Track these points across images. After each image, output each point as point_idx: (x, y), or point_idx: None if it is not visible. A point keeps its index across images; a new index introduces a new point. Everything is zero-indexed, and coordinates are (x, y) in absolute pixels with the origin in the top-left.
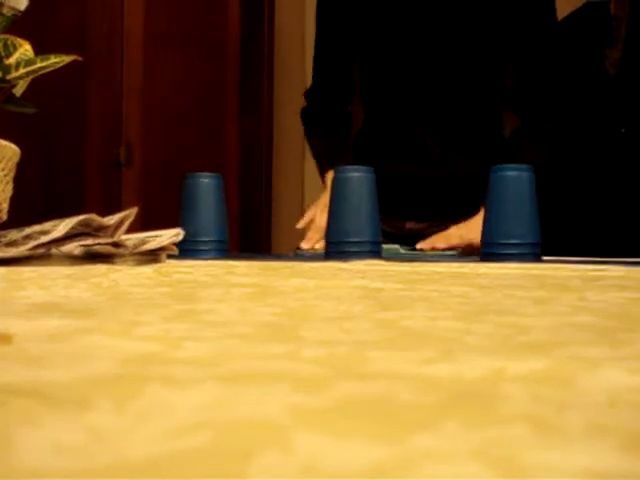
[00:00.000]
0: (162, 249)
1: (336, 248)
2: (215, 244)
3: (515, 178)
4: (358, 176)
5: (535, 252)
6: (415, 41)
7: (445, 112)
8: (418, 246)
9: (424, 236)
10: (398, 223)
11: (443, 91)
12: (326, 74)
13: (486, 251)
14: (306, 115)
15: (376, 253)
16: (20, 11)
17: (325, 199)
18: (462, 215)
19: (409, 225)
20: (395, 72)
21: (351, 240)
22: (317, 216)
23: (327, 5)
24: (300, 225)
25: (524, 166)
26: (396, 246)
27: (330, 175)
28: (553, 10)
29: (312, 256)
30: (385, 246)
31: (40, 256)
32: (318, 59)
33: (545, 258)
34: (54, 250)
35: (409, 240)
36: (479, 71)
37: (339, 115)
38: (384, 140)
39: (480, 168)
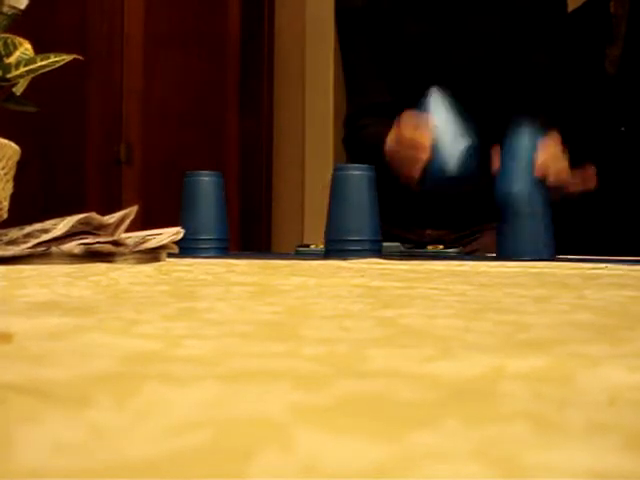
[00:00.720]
0: (162, 248)
1: (336, 246)
2: (215, 242)
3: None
4: (358, 174)
5: (373, 248)
6: (440, 63)
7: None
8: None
9: (444, 242)
10: (419, 230)
11: (462, 103)
12: (365, 98)
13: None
14: (349, 140)
15: (376, 252)
16: (20, 10)
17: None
18: (477, 223)
19: (428, 232)
20: (418, 84)
21: (351, 238)
22: (423, 135)
23: (353, 38)
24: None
25: (364, 166)
26: (396, 244)
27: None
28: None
29: (312, 254)
30: (385, 244)
31: (40, 254)
32: (355, 85)
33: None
34: (54, 249)
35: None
36: (497, 87)
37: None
38: None
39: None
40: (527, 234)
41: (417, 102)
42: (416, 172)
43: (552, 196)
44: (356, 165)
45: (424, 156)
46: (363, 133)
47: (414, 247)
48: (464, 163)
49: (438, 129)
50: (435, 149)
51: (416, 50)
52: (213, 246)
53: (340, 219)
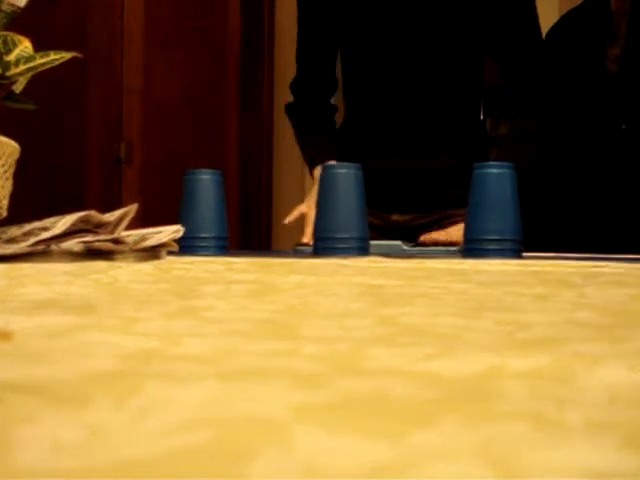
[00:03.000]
0: (162, 246)
1: (323, 244)
2: (215, 241)
3: (497, 175)
4: (346, 172)
5: (514, 248)
6: (395, 35)
7: (425, 105)
8: (421, 238)
9: (410, 228)
10: (384, 215)
11: (423, 84)
12: (308, 66)
13: (468, 247)
14: (291, 108)
15: (363, 250)
16: (20, 8)
17: (315, 194)
18: (445, 206)
19: (395, 217)
20: (375, 66)
21: (338, 236)
22: (310, 210)
23: None
24: (288, 220)
25: (505, 164)
26: (398, 242)
27: (318, 171)
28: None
29: (312, 252)
30: (387, 242)
31: (40, 253)
32: (300, 51)
33: (545, 254)
34: (54, 247)
35: (395, 232)
36: (458, 64)
37: (323, 107)
38: (367, 134)
39: (462, 160)
40: (494, 211)
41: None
42: (306, 236)
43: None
44: (344, 164)
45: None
46: (298, 133)
47: (415, 246)
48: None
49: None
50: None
51: (371, 31)
52: (213, 244)
53: (328, 217)
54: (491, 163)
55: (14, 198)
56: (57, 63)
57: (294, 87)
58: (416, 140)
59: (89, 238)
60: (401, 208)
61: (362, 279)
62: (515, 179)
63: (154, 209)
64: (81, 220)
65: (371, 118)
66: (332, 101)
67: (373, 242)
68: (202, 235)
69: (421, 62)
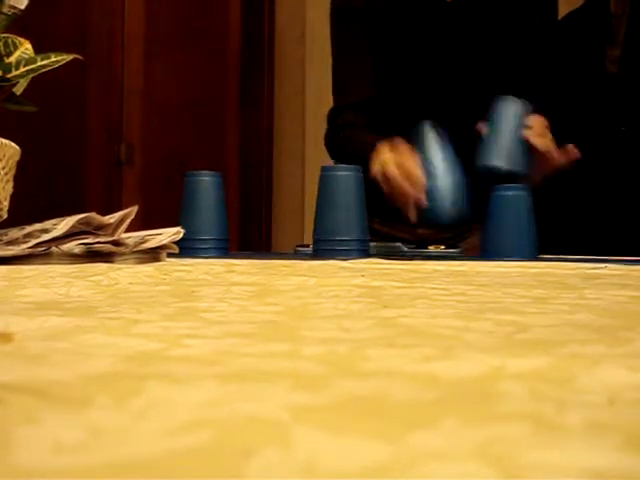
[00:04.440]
0: (162, 247)
1: (323, 246)
2: (215, 242)
3: (511, 197)
4: (346, 175)
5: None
6: (429, 69)
7: (454, 129)
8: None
9: (434, 240)
10: (411, 230)
11: (453, 110)
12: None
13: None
14: (330, 131)
15: (363, 252)
16: (20, 10)
17: (393, 155)
18: (467, 223)
19: (421, 231)
20: (406, 89)
21: (339, 239)
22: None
23: (344, 29)
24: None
25: (520, 186)
26: (398, 244)
27: (380, 145)
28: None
29: (312, 254)
30: (387, 244)
31: (40, 254)
32: (339, 86)
33: (545, 256)
34: (54, 248)
35: (423, 244)
36: (486, 92)
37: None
38: None
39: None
40: (510, 233)
41: (403, 111)
42: (412, 215)
43: (535, 174)
44: (343, 166)
45: (420, 195)
46: (344, 135)
47: (415, 247)
48: (459, 206)
49: (432, 166)
50: (431, 190)
51: (405, 54)
52: (213, 246)
53: (327, 219)
54: (337, 166)
55: (14, 200)
56: (58, 65)
57: (333, 117)
58: None
59: (89, 240)
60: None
61: (362, 281)
62: (528, 200)
63: (154, 211)
64: (81, 222)
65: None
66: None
67: (373, 244)
68: (202, 237)
69: (453, 92)
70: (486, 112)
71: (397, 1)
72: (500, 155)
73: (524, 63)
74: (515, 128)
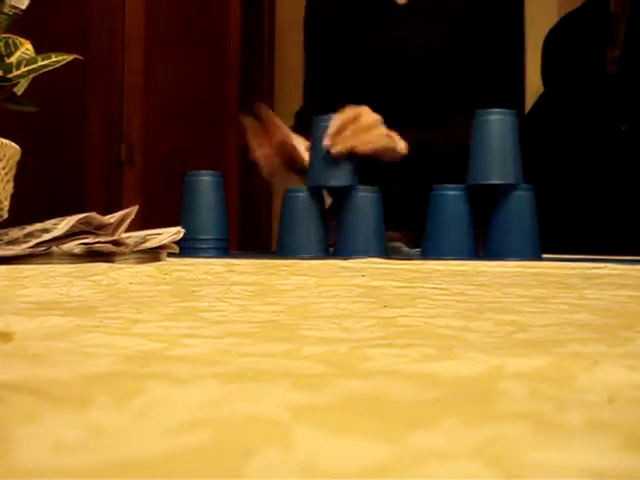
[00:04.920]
0: (162, 247)
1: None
2: (215, 242)
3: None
4: (368, 195)
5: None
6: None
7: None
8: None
9: (406, 243)
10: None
11: (406, 114)
12: (315, 100)
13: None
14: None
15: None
16: (21, 10)
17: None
18: None
19: (390, 233)
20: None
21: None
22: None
23: (312, 37)
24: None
25: (523, 186)
26: (398, 243)
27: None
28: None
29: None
30: (387, 244)
31: (41, 254)
32: (308, 85)
33: (545, 256)
34: (55, 248)
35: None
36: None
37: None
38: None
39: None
40: (513, 232)
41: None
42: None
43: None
44: (365, 187)
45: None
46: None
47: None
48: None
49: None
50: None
51: (356, 57)
52: (213, 246)
53: (347, 235)
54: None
55: (15, 200)
56: (58, 65)
57: (299, 117)
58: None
59: (90, 240)
60: (397, 225)
61: (362, 280)
62: (532, 200)
63: (155, 210)
64: (82, 222)
65: None
66: None
67: None
68: (203, 237)
69: (403, 96)
70: (435, 116)
71: (349, 6)
72: (494, 172)
73: (468, 69)
74: (503, 142)
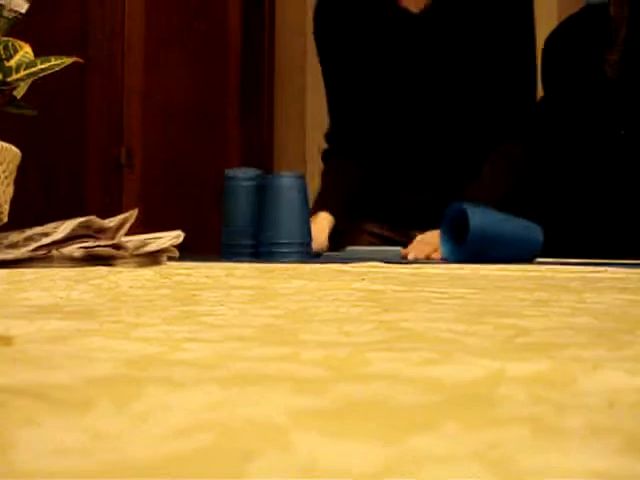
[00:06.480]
0: (163, 251)
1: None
2: (297, 246)
3: None
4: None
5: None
6: (406, 97)
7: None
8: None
9: None
10: (410, 232)
11: (430, 125)
12: (342, 117)
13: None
14: (327, 156)
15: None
16: (21, 14)
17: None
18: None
19: (415, 233)
20: (389, 124)
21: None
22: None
23: (329, 54)
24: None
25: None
26: (398, 248)
27: (319, 216)
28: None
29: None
30: (387, 248)
31: (41, 258)
32: (332, 102)
33: (545, 260)
34: (55, 252)
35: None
36: (468, 125)
37: (357, 154)
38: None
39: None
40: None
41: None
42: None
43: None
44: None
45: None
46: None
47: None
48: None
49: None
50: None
51: (377, 72)
52: (296, 250)
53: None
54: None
55: (15, 203)
56: (58, 68)
57: (331, 136)
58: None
59: (90, 243)
60: (421, 225)
61: (362, 284)
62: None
63: (155, 214)
64: (82, 225)
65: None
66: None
67: (373, 248)
68: (284, 241)
69: (430, 123)
70: (461, 129)
71: (366, 19)
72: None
73: (505, 80)
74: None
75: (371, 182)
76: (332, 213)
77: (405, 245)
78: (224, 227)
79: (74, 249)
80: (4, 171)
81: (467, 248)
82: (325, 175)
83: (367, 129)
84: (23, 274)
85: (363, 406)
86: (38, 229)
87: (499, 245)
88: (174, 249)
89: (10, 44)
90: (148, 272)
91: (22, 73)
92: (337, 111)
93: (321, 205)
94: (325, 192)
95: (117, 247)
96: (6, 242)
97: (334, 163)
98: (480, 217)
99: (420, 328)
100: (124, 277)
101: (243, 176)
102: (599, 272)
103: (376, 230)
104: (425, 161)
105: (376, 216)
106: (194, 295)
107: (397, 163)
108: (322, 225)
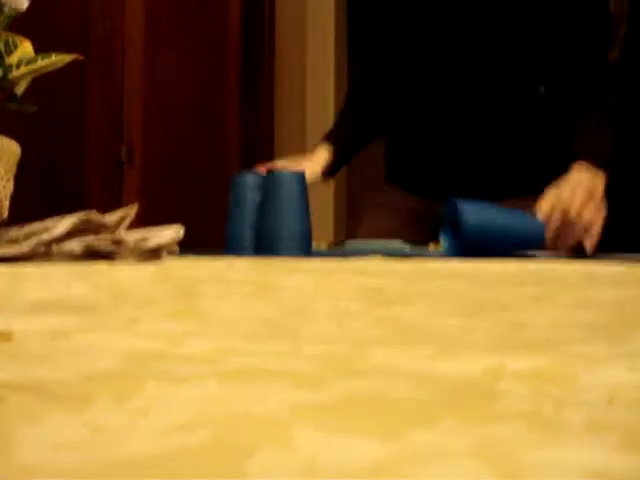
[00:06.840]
0: (163, 246)
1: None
2: (298, 242)
3: None
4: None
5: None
6: (448, 53)
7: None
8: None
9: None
10: (436, 204)
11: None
12: (366, 69)
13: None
14: (349, 100)
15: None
16: (21, 11)
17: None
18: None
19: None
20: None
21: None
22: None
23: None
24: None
25: None
26: (398, 243)
27: (319, 149)
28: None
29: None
30: (387, 242)
31: (41, 254)
32: (356, 58)
33: (544, 255)
34: (55, 248)
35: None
36: (516, 83)
37: (380, 105)
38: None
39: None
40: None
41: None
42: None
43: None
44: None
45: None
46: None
47: (416, 246)
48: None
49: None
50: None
51: (425, 33)
52: (295, 246)
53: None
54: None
55: (15, 199)
56: (58, 65)
57: (355, 84)
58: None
59: (90, 239)
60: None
61: (362, 279)
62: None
63: (155, 210)
64: (82, 221)
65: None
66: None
67: (373, 242)
68: (284, 236)
69: (475, 78)
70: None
71: None
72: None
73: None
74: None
75: (399, 145)
76: (333, 148)
77: (428, 221)
78: (229, 222)
79: (74, 245)
80: (4, 167)
81: (464, 243)
82: (341, 114)
83: (401, 82)
84: (23, 270)
85: (362, 401)
86: (38, 225)
87: (497, 238)
88: (174, 244)
89: (11, 41)
90: (148, 267)
91: (22, 70)
92: (368, 61)
93: (327, 138)
94: (335, 128)
95: (117, 243)
96: (6, 238)
97: (355, 111)
98: (474, 213)
99: (420, 323)
100: (124, 273)
101: (250, 176)
102: (599, 267)
103: (397, 201)
104: (469, 125)
105: (402, 182)
106: (194, 290)
107: (435, 124)
108: (318, 157)
